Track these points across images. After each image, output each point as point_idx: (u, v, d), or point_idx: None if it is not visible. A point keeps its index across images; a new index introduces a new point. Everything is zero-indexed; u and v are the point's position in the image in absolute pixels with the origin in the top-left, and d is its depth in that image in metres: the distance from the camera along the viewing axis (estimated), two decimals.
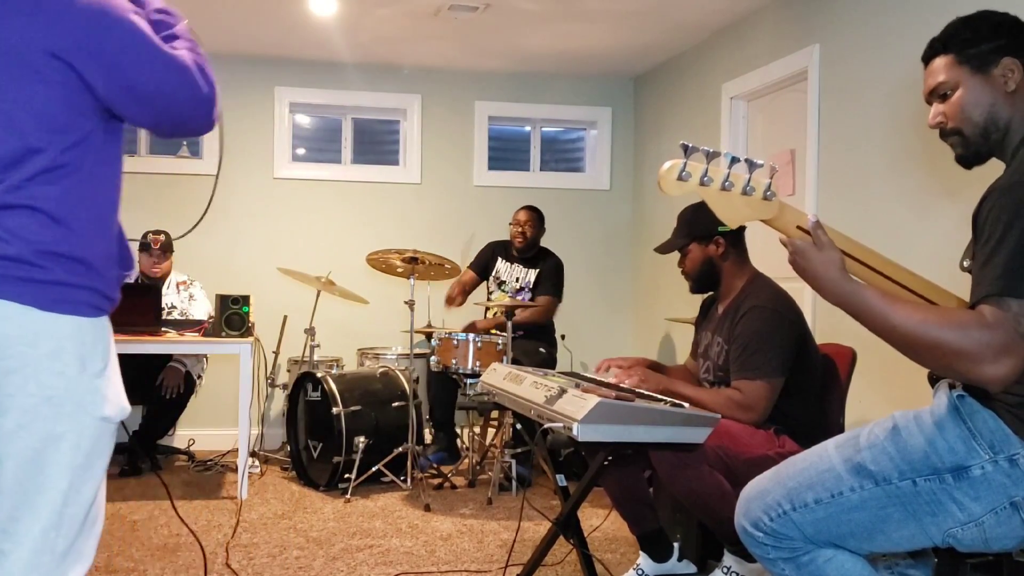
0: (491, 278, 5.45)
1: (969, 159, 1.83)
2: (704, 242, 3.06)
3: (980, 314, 1.59)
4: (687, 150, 1.66)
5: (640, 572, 3.11)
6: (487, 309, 5.36)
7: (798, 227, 1.76)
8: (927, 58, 1.86)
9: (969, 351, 1.57)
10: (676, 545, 3.12)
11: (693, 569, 3.14)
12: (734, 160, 1.69)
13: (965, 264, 1.77)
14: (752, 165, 1.71)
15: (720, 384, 2.99)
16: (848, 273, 1.72)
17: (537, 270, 5.39)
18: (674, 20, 4.98)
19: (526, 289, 5.35)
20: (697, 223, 3.04)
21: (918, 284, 1.82)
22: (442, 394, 5.05)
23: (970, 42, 1.78)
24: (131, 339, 4.43)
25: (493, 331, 4.97)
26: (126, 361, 5.65)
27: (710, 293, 3.22)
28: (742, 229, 3.03)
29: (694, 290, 3.17)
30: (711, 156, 1.68)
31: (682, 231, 3.10)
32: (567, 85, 6.32)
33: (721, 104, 5.08)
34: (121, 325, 4.47)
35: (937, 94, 1.83)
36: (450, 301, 5.39)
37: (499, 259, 5.48)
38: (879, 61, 3.76)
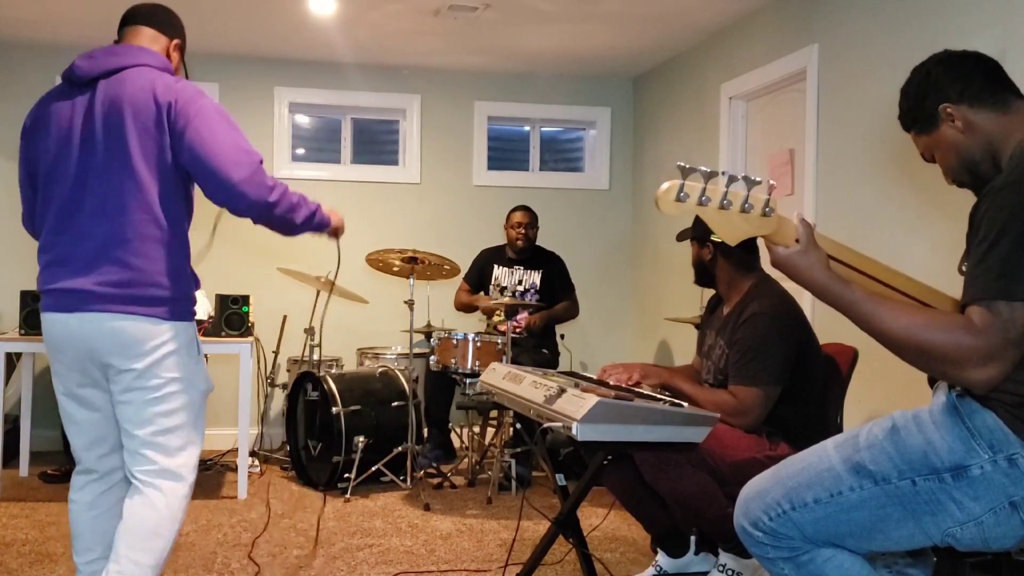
0: (491, 286, 5.43)
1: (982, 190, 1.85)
2: (699, 243, 3.11)
3: (968, 319, 1.60)
4: (684, 170, 1.67)
5: (659, 569, 3.12)
6: (491, 316, 5.37)
7: (796, 240, 1.77)
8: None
9: (956, 356, 1.59)
10: (692, 539, 3.12)
11: (712, 560, 3.15)
12: (732, 178, 1.70)
13: (964, 268, 1.78)
14: (750, 182, 1.72)
15: (718, 386, 2.99)
16: (834, 273, 1.74)
17: (540, 271, 5.39)
18: (673, 20, 4.98)
19: (531, 291, 5.35)
20: (700, 223, 3.07)
21: (913, 287, 1.83)
22: (438, 394, 5.06)
23: (910, 113, 1.92)
24: None
25: (534, 324, 5.14)
26: None
27: (716, 293, 3.25)
28: None
29: (695, 281, 3.24)
30: (709, 175, 1.69)
31: (694, 225, 3.13)
32: (566, 85, 6.32)
33: (720, 104, 5.08)
34: None
35: (927, 160, 1.96)
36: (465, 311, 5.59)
37: (495, 266, 5.47)
38: (878, 60, 3.77)
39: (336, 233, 2.72)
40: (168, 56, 2.55)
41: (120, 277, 2.32)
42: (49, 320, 2.40)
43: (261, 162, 2.39)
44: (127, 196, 2.32)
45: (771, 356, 2.83)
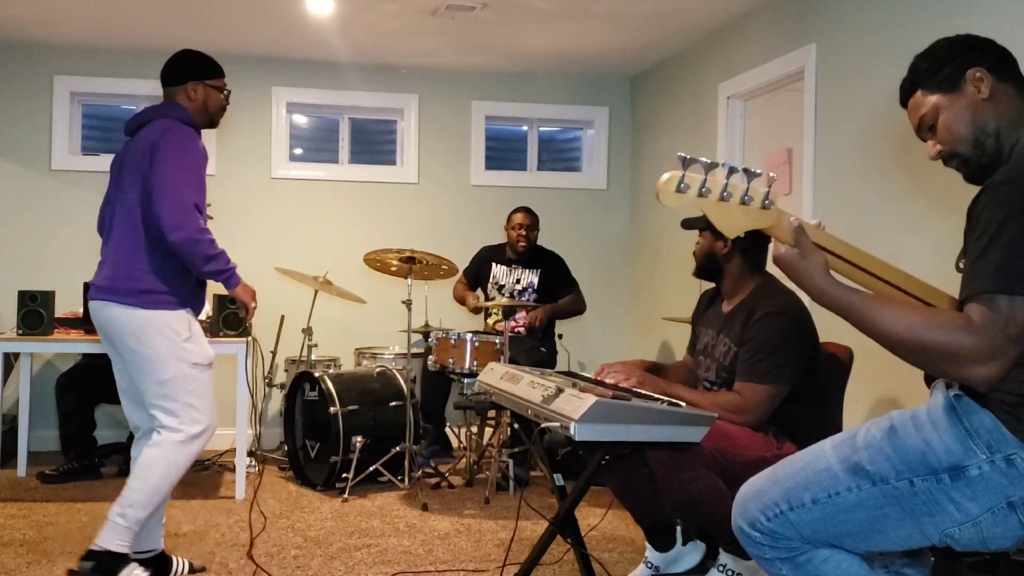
0: (489, 284, 5.44)
1: (976, 176, 1.85)
2: (715, 235, 3.06)
3: (968, 317, 1.60)
4: (685, 161, 1.67)
5: (648, 563, 3.12)
6: (488, 315, 5.37)
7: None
8: (904, 101, 1.93)
9: (956, 355, 1.59)
10: (678, 529, 3.12)
11: (701, 549, 3.15)
12: (732, 170, 1.70)
13: (961, 265, 1.78)
14: (750, 174, 1.71)
15: (724, 384, 2.99)
16: (832, 278, 1.74)
17: (539, 271, 5.39)
18: (671, 20, 4.99)
19: (530, 290, 5.35)
20: None
21: (912, 285, 1.83)
22: (434, 391, 5.10)
23: (932, 70, 1.86)
24: None
25: (537, 320, 5.15)
26: None
27: (709, 288, 3.23)
28: (759, 235, 3.03)
29: (695, 273, 3.19)
30: (709, 167, 1.68)
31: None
32: (564, 85, 6.32)
33: (718, 103, 5.08)
34: None
35: (925, 128, 1.89)
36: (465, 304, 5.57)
37: (494, 264, 5.47)
38: (875, 60, 3.77)
39: (244, 304, 3.20)
40: (191, 99, 3.11)
41: (110, 274, 3.01)
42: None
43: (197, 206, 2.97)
44: (119, 218, 3.02)
45: (784, 355, 2.83)
